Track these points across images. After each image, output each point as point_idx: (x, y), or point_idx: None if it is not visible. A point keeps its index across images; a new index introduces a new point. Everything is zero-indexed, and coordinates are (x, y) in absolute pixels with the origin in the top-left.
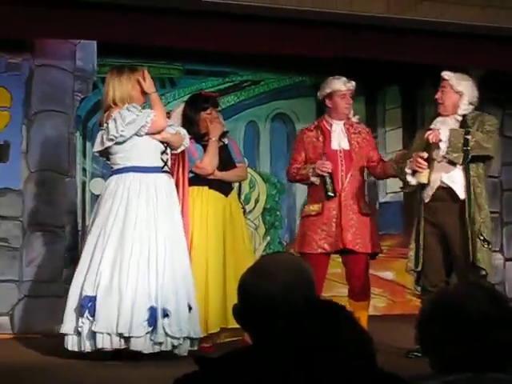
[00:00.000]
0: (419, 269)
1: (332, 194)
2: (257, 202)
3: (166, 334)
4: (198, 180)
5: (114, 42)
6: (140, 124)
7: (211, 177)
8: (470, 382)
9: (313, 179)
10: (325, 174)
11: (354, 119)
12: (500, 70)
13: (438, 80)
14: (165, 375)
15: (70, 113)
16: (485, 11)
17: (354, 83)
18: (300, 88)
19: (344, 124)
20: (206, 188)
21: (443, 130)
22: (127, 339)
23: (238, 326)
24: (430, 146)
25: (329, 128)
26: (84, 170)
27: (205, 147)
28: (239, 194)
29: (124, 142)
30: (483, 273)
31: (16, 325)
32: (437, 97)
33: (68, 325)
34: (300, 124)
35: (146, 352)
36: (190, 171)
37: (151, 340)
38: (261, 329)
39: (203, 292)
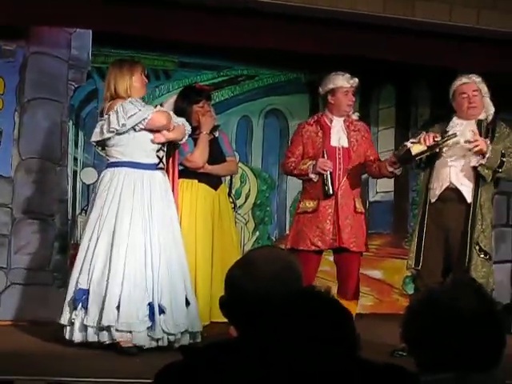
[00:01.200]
0: (419, 267)
1: (331, 193)
2: (247, 197)
3: (163, 331)
4: (187, 173)
5: (108, 32)
6: (141, 117)
7: (201, 170)
8: (454, 382)
9: (312, 176)
10: (325, 173)
11: (354, 116)
12: (497, 72)
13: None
14: (153, 366)
15: (64, 101)
16: (481, 13)
17: (357, 80)
18: (294, 85)
19: (344, 121)
20: (195, 181)
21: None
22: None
23: (223, 319)
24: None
25: (329, 124)
26: (75, 159)
27: (195, 140)
28: (230, 189)
29: (124, 133)
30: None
31: (2, 312)
32: (472, 101)
33: (65, 316)
34: (293, 120)
35: (144, 346)
36: (180, 164)
37: (149, 336)
38: (247, 321)
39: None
